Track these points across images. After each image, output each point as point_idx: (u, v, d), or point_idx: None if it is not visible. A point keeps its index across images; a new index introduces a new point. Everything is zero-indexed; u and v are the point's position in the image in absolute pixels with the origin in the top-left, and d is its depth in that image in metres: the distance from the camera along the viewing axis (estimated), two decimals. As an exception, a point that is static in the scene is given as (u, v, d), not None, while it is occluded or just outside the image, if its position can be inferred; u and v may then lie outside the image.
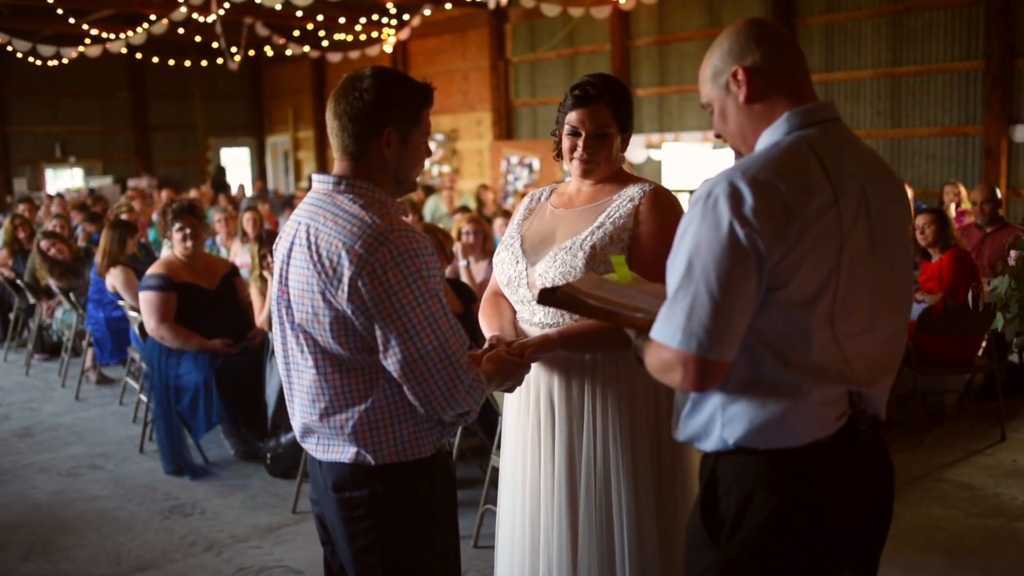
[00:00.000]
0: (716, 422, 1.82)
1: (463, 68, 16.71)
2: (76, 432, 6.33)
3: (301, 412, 2.18)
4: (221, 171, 20.38)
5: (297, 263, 2.10)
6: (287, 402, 2.24)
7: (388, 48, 16.61)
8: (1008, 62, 9.93)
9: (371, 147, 2.11)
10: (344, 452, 2.12)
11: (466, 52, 16.58)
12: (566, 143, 2.65)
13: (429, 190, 14.99)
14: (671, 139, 13.38)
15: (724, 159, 14.39)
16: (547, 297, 2.11)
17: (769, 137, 1.81)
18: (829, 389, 1.77)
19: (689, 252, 1.70)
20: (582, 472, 2.57)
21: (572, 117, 2.62)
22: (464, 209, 9.93)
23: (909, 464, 5.19)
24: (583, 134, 2.60)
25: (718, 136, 1.95)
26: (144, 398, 5.95)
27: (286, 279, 2.14)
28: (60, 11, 14.04)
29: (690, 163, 13.67)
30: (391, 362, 2.02)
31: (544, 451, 2.63)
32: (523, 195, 12.72)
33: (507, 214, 9.06)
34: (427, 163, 16.23)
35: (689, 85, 12.85)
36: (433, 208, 12.93)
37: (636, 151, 13.59)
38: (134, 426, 6.29)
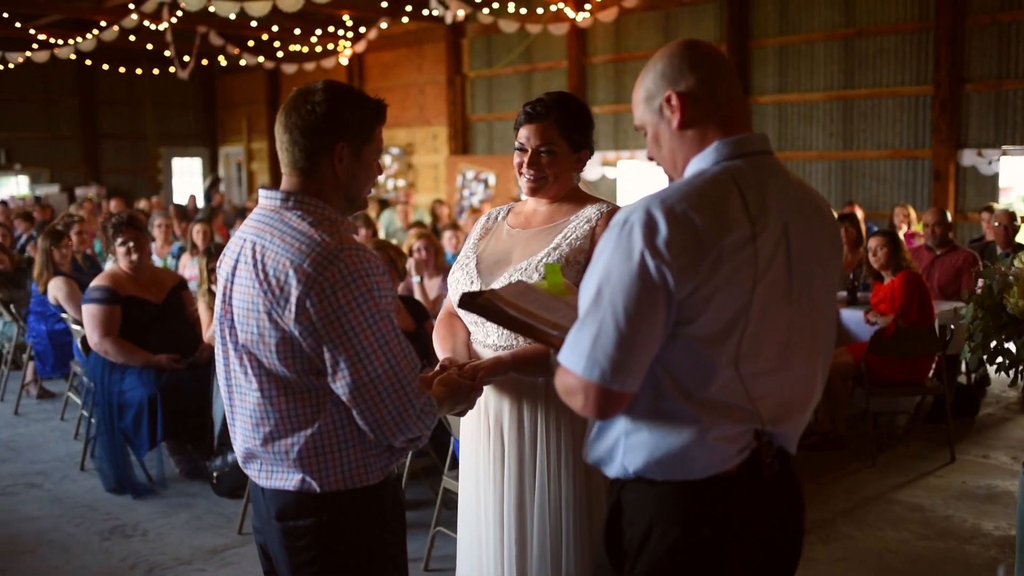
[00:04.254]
0: (619, 449, 1.79)
1: (419, 82, 16.65)
2: (14, 449, 6.12)
3: (243, 436, 2.09)
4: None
5: (242, 281, 2.01)
6: (229, 426, 2.15)
7: (344, 60, 16.51)
8: (956, 88, 10.12)
9: (322, 162, 2.03)
10: (288, 479, 2.03)
11: (422, 66, 16.53)
12: (515, 159, 2.64)
13: (384, 204, 14.90)
14: (627, 157, 13.43)
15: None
16: (468, 302, 2.06)
17: (696, 166, 1.78)
18: (730, 427, 1.74)
19: (600, 279, 1.67)
20: (535, 498, 2.51)
21: (520, 133, 2.62)
22: (418, 224, 9.85)
23: (861, 486, 5.21)
24: (528, 151, 2.58)
25: (651, 159, 1.92)
26: (87, 414, 5.78)
27: (230, 298, 2.05)
28: (6, 15, 13.74)
29: (646, 181, 13.74)
30: (340, 385, 1.95)
31: (494, 477, 2.57)
32: (477, 211, 12.70)
33: (456, 227, 9.01)
34: (382, 176, 16.06)
35: (645, 103, 12.90)
36: (387, 222, 12.84)
37: (591, 168, 13.63)
38: (75, 443, 6.11)
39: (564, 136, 2.57)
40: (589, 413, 1.72)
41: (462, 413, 2.44)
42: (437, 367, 2.44)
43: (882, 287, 5.99)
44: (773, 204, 1.75)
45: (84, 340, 5.55)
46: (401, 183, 17.03)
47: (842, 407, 5.85)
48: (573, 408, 1.75)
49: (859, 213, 9.09)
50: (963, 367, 6.63)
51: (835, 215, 7.45)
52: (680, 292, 1.64)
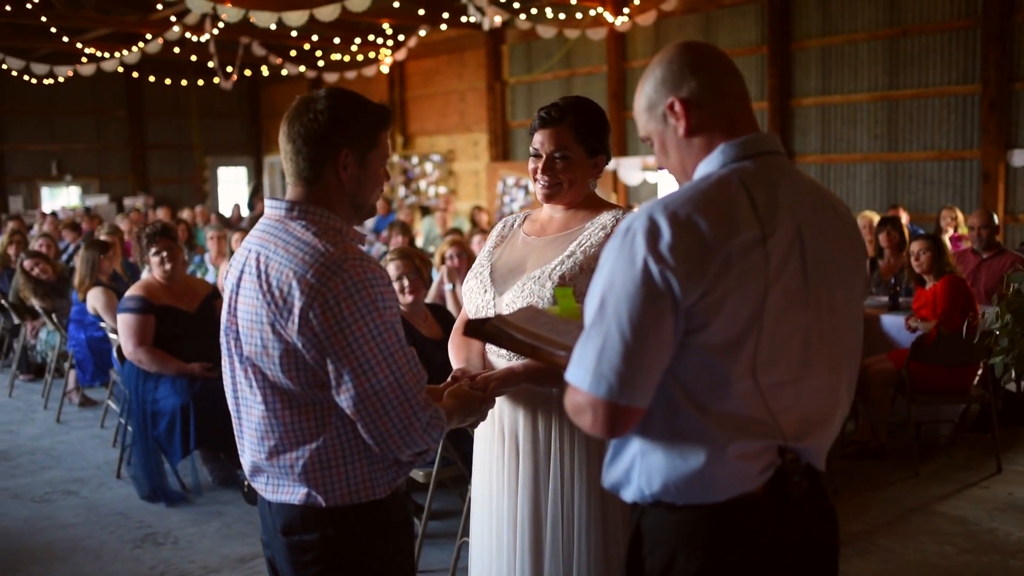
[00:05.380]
0: (635, 471, 1.71)
1: (460, 89, 16.68)
2: (54, 456, 6.21)
3: (250, 450, 2.07)
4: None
5: (246, 293, 1.99)
6: (236, 439, 2.13)
7: (385, 68, 16.60)
8: (1005, 86, 9.88)
9: (326, 170, 2.01)
10: (294, 493, 2.00)
11: (463, 73, 16.56)
12: (530, 165, 2.60)
13: (425, 211, 14.94)
14: (667, 161, 13.30)
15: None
16: (475, 330, 2.02)
17: (703, 170, 1.72)
18: (750, 443, 1.65)
19: (603, 289, 1.60)
20: (548, 510, 2.47)
21: (535, 139, 2.58)
22: (456, 231, 9.85)
23: (903, 497, 5.07)
24: (543, 156, 2.54)
25: (660, 168, 1.85)
26: (123, 422, 5.84)
27: (235, 309, 2.03)
28: (54, 30, 14.02)
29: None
30: (344, 398, 1.92)
31: (508, 488, 2.53)
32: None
33: (483, 232, 8.96)
34: (424, 183, 15.98)
35: (685, 107, 12.79)
36: (427, 229, 12.87)
37: (632, 173, 13.53)
38: (113, 450, 6.17)
39: (579, 141, 2.52)
40: (599, 432, 1.63)
41: (474, 425, 2.39)
42: (449, 378, 2.40)
43: (924, 292, 5.84)
44: (784, 205, 1.67)
45: (120, 349, 5.61)
46: (442, 190, 17.08)
47: (883, 415, 5.71)
48: (582, 428, 1.67)
49: (904, 216, 8.89)
50: (1012, 374, 6.44)
51: (876, 218, 7.23)
52: (687, 298, 1.56)
